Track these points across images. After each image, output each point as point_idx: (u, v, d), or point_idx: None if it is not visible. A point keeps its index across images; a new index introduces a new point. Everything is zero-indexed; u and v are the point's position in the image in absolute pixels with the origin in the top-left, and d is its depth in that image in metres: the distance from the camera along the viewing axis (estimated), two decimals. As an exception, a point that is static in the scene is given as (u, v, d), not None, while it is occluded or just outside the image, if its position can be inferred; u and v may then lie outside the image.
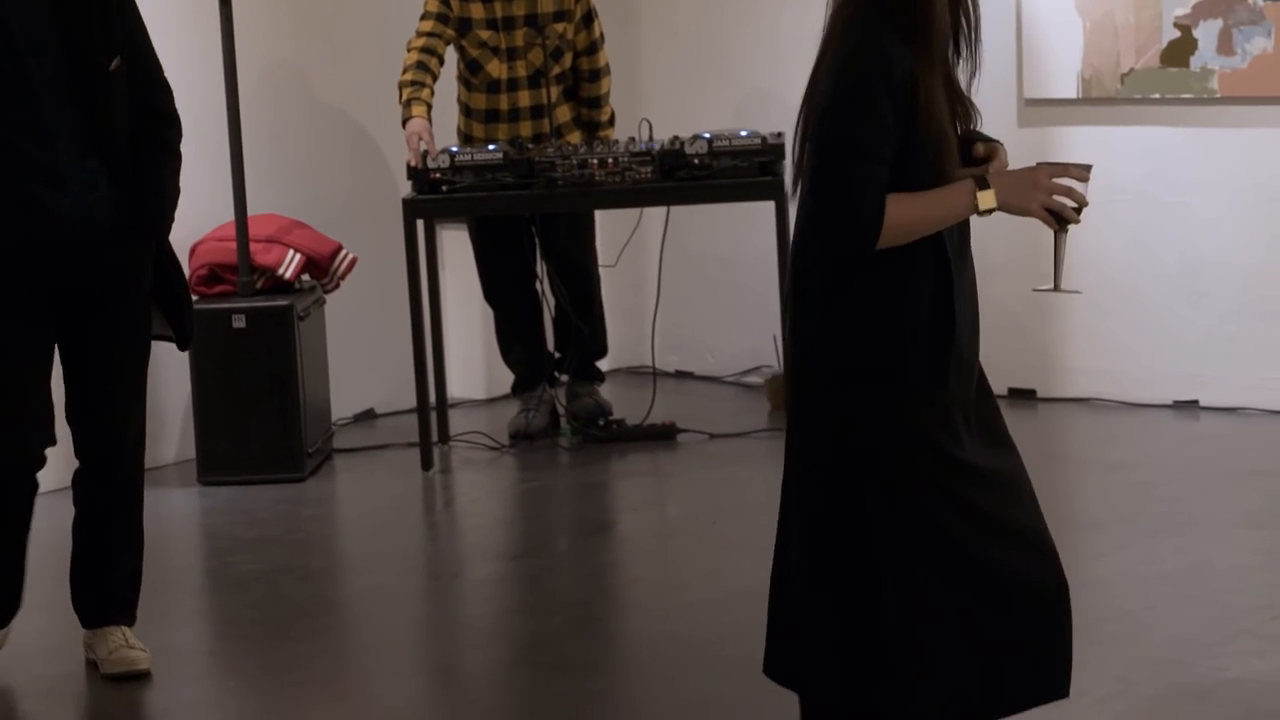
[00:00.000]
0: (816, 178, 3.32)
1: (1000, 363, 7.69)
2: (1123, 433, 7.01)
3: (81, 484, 5.02)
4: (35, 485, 4.95)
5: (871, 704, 3.46)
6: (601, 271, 7.50)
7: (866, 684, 3.45)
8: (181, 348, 5.16)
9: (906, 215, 3.32)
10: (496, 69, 7.08)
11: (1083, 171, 3.42)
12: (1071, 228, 3.46)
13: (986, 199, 3.36)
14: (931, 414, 3.40)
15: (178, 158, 4.96)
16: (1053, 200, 3.41)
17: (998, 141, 3.48)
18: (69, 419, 4.95)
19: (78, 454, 5.00)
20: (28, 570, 5.05)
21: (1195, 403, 7.18)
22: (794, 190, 3.44)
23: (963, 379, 3.44)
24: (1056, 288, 3.56)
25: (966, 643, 3.43)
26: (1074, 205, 3.41)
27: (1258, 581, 5.27)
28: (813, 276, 3.41)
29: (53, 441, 4.93)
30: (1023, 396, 7.36)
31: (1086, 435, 7.00)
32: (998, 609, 3.44)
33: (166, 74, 4.98)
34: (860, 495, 3.42)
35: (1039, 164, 3.43)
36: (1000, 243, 7.63)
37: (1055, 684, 3.52)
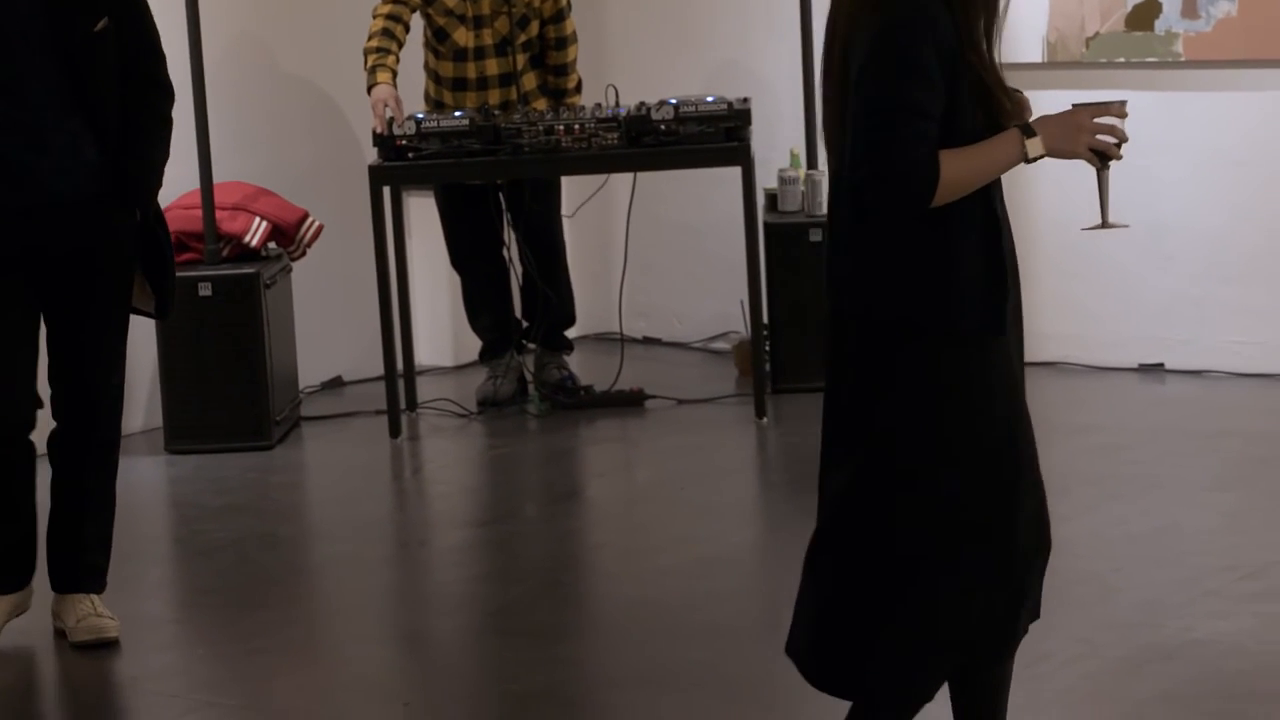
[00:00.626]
0: (870, 138, 3.32)
1: (967, 327, 7.72)
2: (1089, 396, 7.03)
3: (59, 445, 5.03)
4: (31, 447, 4.95)
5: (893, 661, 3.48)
6: (569, 234, 7.49)
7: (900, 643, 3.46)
8: (162, 317, 5.15)
9: (959, 170, 3.34)
10: (463, 37, 7.06)
11: (1120, 108, 3.45)
12: (1094, 170, 3.50)
13: (1034, 146, 3.38)
14: (988, 363, 3.43)
15: (169, 125, 4.95)
16: (1097, 140, 3.44)
17: (1019, 91, 3.49)
18: (50, 379, 4.96)
19: (55, 415, 5.00)
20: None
21: (1161, 366, 7.20)
22: (835, 158, 3.42)
23: (1016, 327, 3.49)
24: (1105, 224, 3.58)
25: (982, 602, 3.46)
26: (1115, 141, 3.44)
27: (1223, 543, 5.29)
28: (865, 236, 3.41)
29: (40, 404, 4.94)
30: (990, 361, 7.36)
31: (1053, 399, 7.02)
32: (1019, 563, 3.47)
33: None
34: (909, 453, 3.43)
35: (1074, 106, 3.44)
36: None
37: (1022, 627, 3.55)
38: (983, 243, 3.41)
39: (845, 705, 4.36)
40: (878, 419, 3.45)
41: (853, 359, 3.48)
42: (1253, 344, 7.02)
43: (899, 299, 3.41)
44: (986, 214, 3.42)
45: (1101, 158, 3.47)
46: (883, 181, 3.33)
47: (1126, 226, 3.68)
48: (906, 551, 3.42)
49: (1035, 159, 3.40)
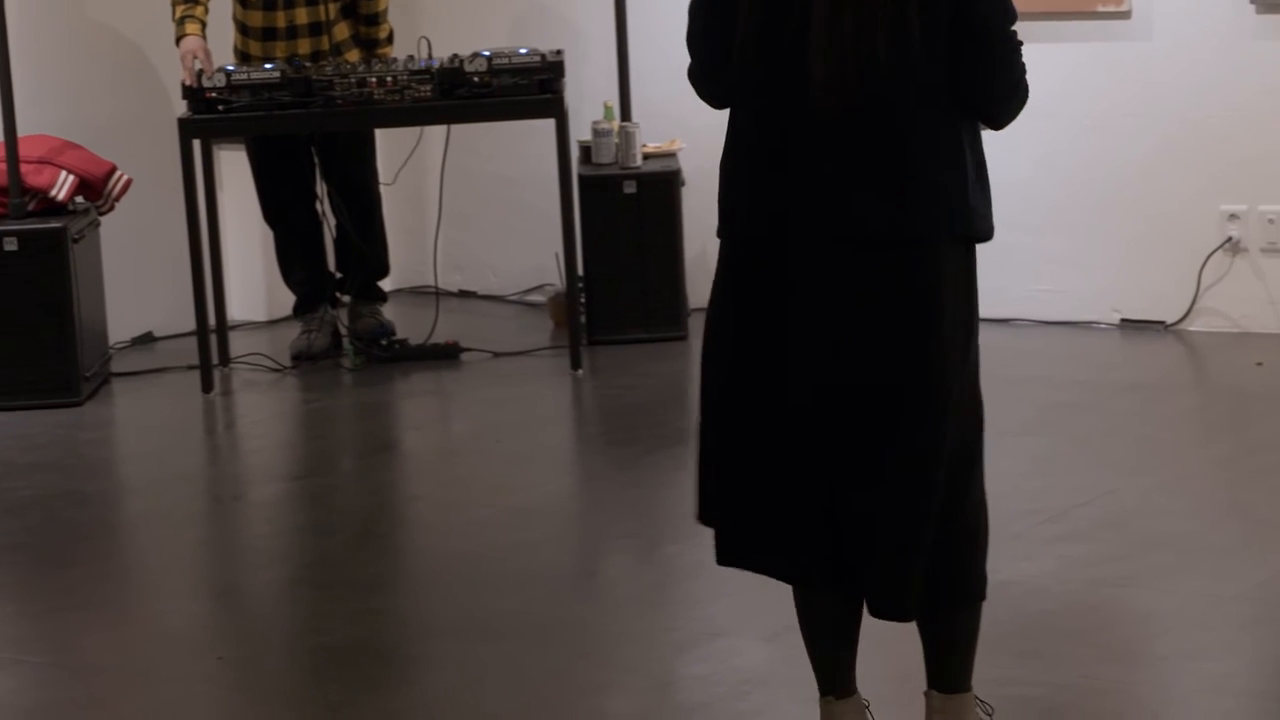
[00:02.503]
0: (1013, 59, 3.41)
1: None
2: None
3: None
4: None
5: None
6: (383, 191, 7.46)
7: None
8: None
9: None
10: (273, -15, 7.00)
11: None
12: None
13: None
14: None
15: None
16: None
17: None
18: None
19: None
20: None
21: (970, 316, 7.31)
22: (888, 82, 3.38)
23: None
24: None
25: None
26: None
27: (1028, 488, 5.39)
28: (963, 154, 3.44)
29: None
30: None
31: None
32: None
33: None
34: (970, 361, 3.56)
35: None
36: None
37: None
38: None
39: (657, 645, 4.43)
40: (971, 330, 3.53)
41: (950, 280, 3.44)
42: (1056, 292, 7.15)
43: (987, 212, 3.49)
44: None
45: None
46: (1024, 99, 3.45)
47: None
48: (977, 438, 3.60)
49: None
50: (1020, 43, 3.43)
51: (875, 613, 3.50)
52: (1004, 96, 3.45)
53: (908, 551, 3.44)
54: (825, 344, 3.41)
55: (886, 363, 3.41)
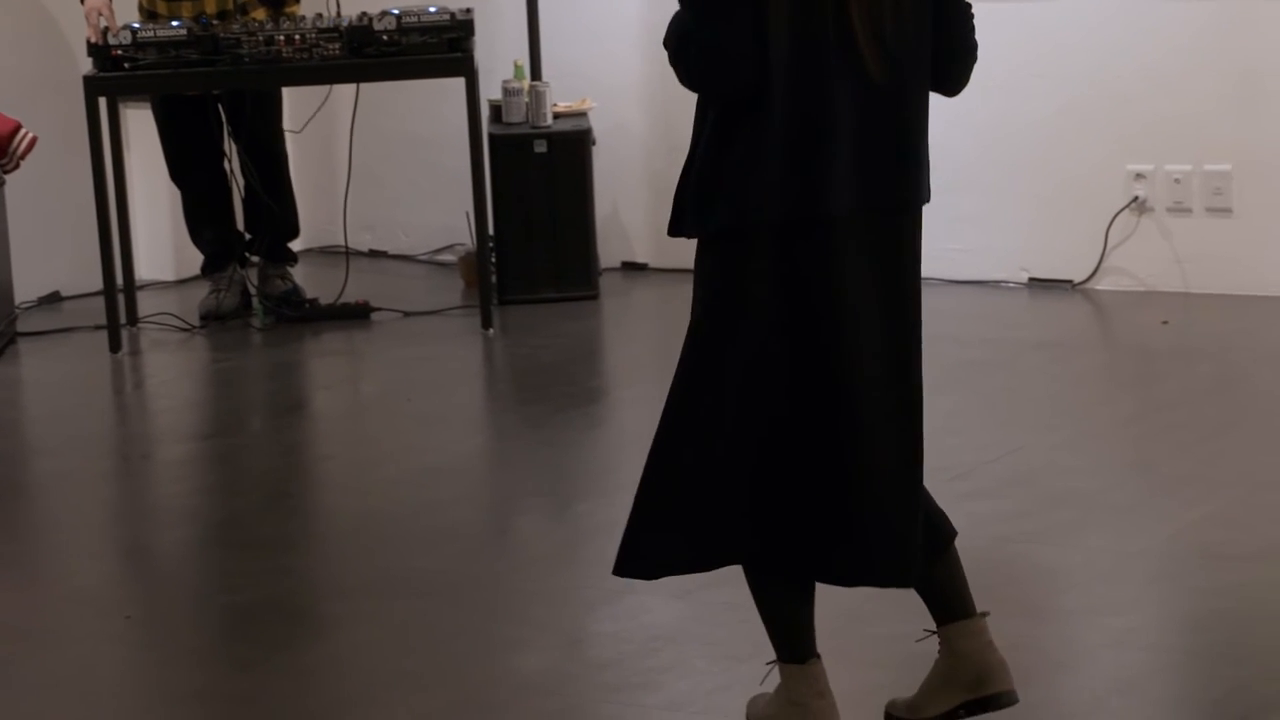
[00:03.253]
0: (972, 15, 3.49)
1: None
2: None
3: None
4: None
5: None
6: (292, 144, 7.42)
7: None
8: None
9: None
10: (179, -59, 6.95)
11: None
12: None
13: None
14: None
15: None
16: None
17: None
18: None
19: None
20: None
21: (880, 275, 7.34)
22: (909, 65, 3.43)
23: None
24: None
25: None
26: None
27: (938, 445, 5.36)
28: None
29: None
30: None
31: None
32: None
33: None
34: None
35: None
36: (688, 118, 7.70)
37: None
38: None
39: (569, 602, 4.45)
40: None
41: (914, 244, 3.55)
42: (966, 251, 7.20)
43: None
44: None
45: None
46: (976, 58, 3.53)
47: None
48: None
49: None
50: None
51: (889, 583, 3.53)
52: (972, 58, 3.52)
53: (915, 512, 3.52)
54: (849, 313, 3.44)
55: (892, 322, 3.48)
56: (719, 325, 3.45)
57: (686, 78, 3.40)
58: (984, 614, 3.65)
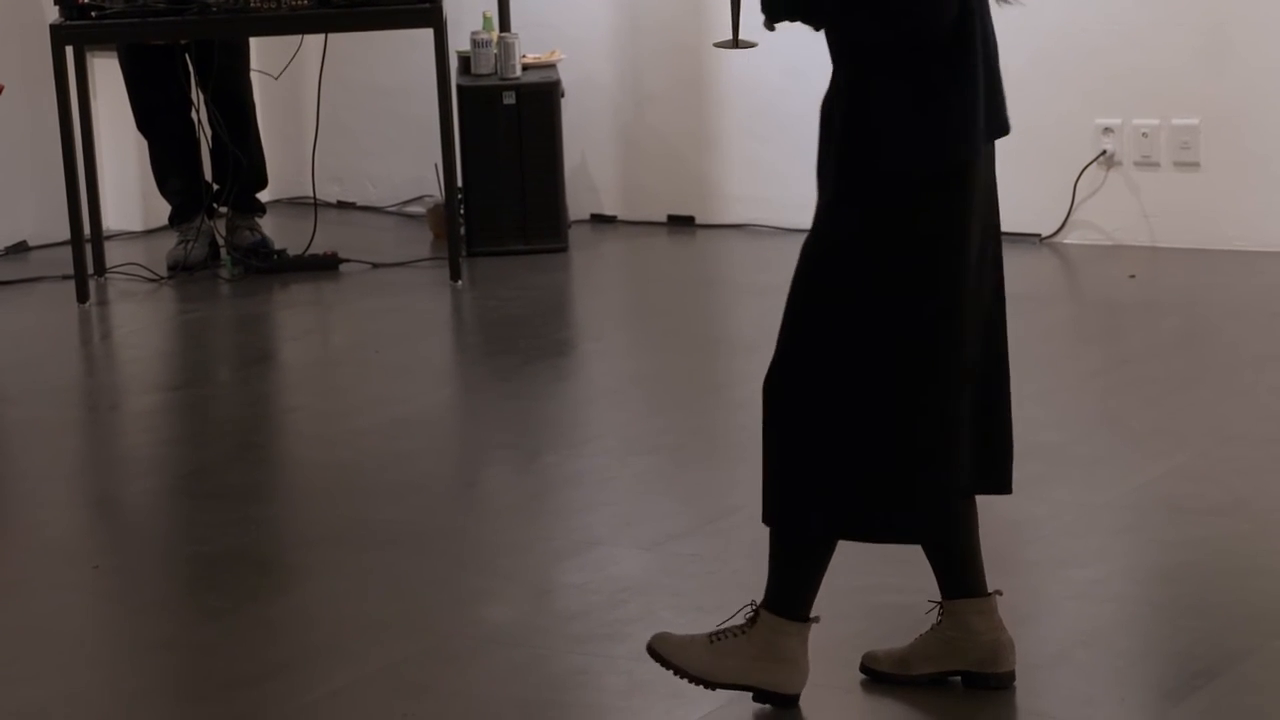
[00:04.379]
0: None
1: (659, 190, 7.80)
2: (776, 258, 7.13)
3: None
4: None
5: None
6: (260, 96, 7.39)
7: None
8: None
9: None
10: (145, -110, 6.90)
11: None
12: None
13: None
14: None
15: None
16: None
17: None
18: None
19: None
20: None
21: (848, 228, 7.35)
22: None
23: None
24: (735, 41, 3.66)
25: None
26: None
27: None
28: None
29: None
30: (682, 223, 7.46)
31: (743, 260, 7.13)
32: None
33: None
34: None
35: None
36: (657, 70, 7.69)
37: None
38: None
39: (536, 553, 4.46)
40: None
41: None
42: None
43: None
44: None
45: None
46: None
47: (755, 45, 3.76)
48: None
49: None
50: None
51: (1003, 489, 3.76)
52: None
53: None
54: (990, 242, 3.63)
55: (990, 243, 3.64)
56: (936, 265, 3.54)
57: (882, 20, 3.46)
58: (996, 592, 3.70)
